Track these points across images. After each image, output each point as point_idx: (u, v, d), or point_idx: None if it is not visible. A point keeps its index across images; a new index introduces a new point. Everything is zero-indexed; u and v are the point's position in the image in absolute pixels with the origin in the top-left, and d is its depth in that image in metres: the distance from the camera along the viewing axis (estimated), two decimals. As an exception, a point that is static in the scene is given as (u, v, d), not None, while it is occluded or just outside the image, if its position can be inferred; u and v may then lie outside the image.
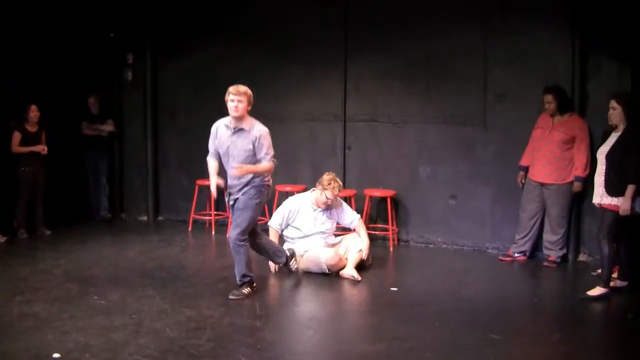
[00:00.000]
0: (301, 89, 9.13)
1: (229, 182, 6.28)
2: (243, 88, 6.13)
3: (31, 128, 8.59)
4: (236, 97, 6.07)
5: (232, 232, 6.25)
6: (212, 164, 6.42)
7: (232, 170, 6.17)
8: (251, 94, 6.17)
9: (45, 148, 8.64)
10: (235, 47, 9.26)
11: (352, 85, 8.86)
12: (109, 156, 10.03)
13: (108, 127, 9.80)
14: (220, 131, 6.29)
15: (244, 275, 6.29)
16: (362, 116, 8.85)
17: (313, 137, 9.15)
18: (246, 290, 6.27)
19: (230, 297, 6.18)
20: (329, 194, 7.21)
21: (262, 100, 8.87)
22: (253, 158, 6.15)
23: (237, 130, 6.16)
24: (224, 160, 6.29)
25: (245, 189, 6.19)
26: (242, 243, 6.23)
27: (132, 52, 9.88)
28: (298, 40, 9.01)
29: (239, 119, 6.14)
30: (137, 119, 10.01)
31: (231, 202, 6.33)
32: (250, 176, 6.16)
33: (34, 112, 8.54)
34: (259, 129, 6.18)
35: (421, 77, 8.52)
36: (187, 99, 9.78)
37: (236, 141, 6.16)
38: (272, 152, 6.22)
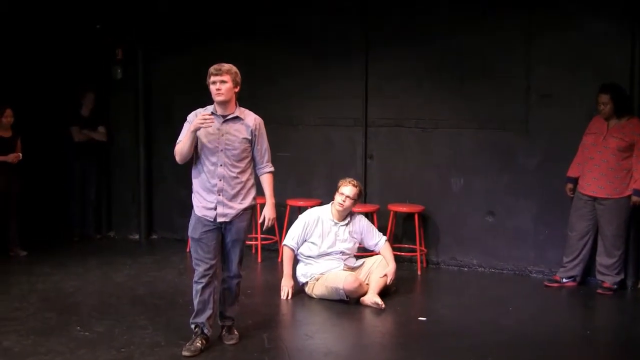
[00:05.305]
0: (315, 89, 9.10)
1: (218, 197, 5.68)
2: (227, 65, 5.63)
3: (4, 134, 8.60)
4: (218, 77, 5.56)
5: (235, 270, 5.83)
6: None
7: (225, 185, 5.66)
8: (237, 72, 5.67)
9: (20, 155, 8.62)
10: (238, 41, 9.23)
11: (374, 84, 8.83)
12: (99, 167, 10.05)
13: (99, 136, 9.83)
14: None
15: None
16: (386, 120, 8.85)
17: (329, 144, 9.14)
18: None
19: (232, 342, 5.88)
20: (346, 189, 7.21)
21: (270, 103, 9.16)
22: (248, 152, 5.74)
23: (230, 118, 5.67)
24: (206, 156, 5.70)
25: (242, 212, 5.75)
26: (241, 277, 5.94)
27: (122, 46, 9.86)
28: (311, 33, 9.03)
29: (226, 103, 5.63)
30: (128, 123, 10.02)
31: (215, 225, 5.72)
32: (251, 195, 5.78)
33: (7, 117, 8.56)
34: (254, 116, 5.79)
35: (453, 75, 8.49)
36: (185, 101, 9.55)
37: (230, 130, 5.66)
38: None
